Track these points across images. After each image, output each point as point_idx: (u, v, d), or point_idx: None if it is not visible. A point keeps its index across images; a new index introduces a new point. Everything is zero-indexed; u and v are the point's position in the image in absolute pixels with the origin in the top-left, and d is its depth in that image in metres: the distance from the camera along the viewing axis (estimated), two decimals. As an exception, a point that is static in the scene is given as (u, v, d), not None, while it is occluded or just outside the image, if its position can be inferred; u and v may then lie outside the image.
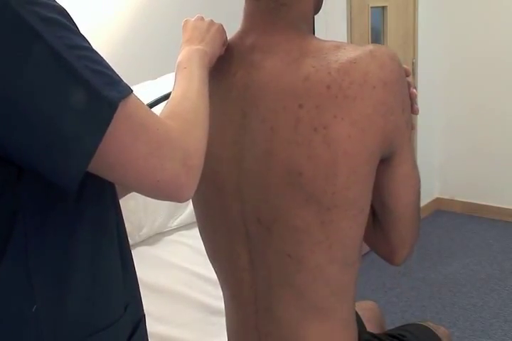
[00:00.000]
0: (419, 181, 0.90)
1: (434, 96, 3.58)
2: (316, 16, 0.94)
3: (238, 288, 0.93)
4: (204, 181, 0.84)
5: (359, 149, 0.77)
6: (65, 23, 0.62)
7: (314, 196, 0.79)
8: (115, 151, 0.62)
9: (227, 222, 0.90)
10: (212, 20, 0.93)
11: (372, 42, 3.09)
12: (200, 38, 0.88)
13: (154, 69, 1.99)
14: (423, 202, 3.63)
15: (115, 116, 0.61)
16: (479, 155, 3.57)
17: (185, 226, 1.86)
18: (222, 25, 0.93)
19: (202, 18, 0.93)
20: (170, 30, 2.20)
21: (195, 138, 0.71)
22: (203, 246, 1.00)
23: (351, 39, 2.92)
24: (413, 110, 0.87)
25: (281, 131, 0.79)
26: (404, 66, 0.84)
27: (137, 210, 1.74)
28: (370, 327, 1.16)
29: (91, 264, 0.70)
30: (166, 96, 0.98)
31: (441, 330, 1.20)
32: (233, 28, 0.93)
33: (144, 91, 1.74)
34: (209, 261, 1.01)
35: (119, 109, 0.61)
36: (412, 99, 0.86)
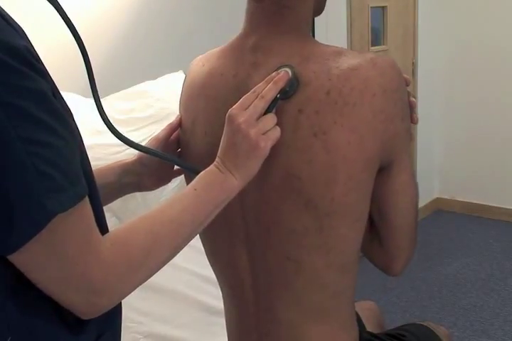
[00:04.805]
0: (417, 191, 0.90)
1: (434, 96, 3.58)
2: (316, 16, 0.94)
3: (239, 288, 0.93)
4: None
5: (358, 155, 0.77)
6: (31, 112, 0.57)
7: (313, 201, 0.79)
8: (31, 261, 0.60)
9: (227, 222, 0.90)
10: (264, 138, 0.77)
11: (372, 42, 3.09)
12: (236, 161, 0.77)
13: (154, 69, 1.99)
14: (423, 202, 3.64)
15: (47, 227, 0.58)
16: (479, 155, 3.57)
17: (185, 226, 1.86)
18: (268, 150, 0.77)
19: (253, 124, 0.76)
20: (170, 29, 2.20)
21: (126, 283, 0.66)
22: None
23: (351, 39, 2.92)
24: (412, 119, 0.87)
25: (281, 135, 0.78)
26: (404, 75, 0.83)
27: (137, 210, 1.73)
28: (370, 327, 1.16)
29: None
30: (191, 169, 0.86)
31: (441, 330, 1.20)
32: (231, 28, 0.93)
33: (144, 91, 1.74)
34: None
35: (54, 220, 0.58)
36: (411, 109, 0.86)
